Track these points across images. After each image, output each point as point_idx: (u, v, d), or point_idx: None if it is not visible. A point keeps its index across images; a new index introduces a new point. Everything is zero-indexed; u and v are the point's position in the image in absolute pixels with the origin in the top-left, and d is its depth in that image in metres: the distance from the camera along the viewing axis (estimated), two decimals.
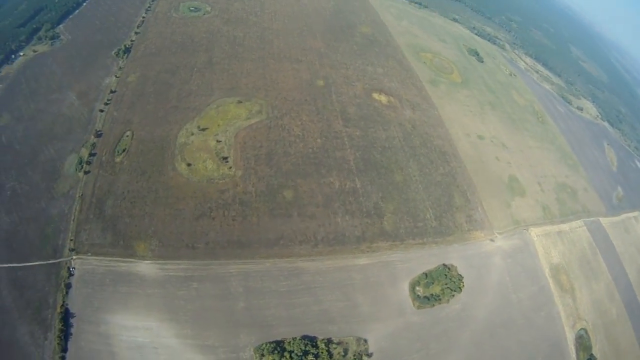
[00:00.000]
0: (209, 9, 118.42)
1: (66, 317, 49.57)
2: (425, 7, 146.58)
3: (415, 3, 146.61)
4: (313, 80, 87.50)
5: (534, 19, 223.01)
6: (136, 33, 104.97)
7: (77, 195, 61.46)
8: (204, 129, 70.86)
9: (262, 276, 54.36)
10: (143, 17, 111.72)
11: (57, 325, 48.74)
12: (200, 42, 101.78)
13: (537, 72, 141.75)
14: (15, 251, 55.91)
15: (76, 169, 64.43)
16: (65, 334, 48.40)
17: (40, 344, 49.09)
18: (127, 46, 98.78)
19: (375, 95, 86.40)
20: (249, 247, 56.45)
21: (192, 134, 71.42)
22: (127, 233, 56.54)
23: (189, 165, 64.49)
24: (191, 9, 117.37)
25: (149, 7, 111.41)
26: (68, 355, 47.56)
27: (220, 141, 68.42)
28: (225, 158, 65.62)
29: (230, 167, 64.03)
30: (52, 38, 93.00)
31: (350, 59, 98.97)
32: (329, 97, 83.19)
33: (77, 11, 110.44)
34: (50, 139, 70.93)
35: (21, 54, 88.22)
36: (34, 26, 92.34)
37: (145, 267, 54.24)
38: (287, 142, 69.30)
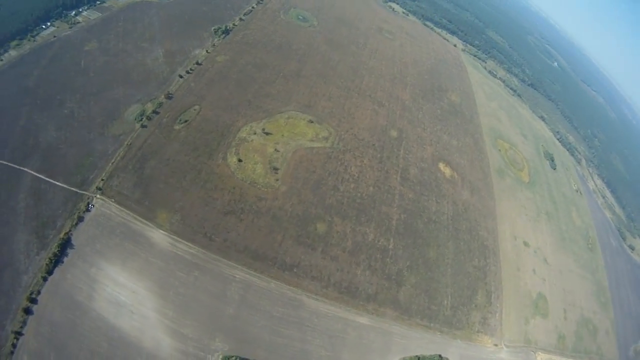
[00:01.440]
0: (315, 23, 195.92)
1: (65, 245, 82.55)
2: (519, 95, 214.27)
3: (510, 88, 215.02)
4: (388, 129, 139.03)
5: (617, 142, 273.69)
6: (241, 19, 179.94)
7: (126, 143, 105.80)
8: (267, 133, 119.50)
9: (263, 294, 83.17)
10: (252, 7, 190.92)
11: (53, 247, 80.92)
12: (296, 51, 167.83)
13: (603, 197, 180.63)
14: (48, 165, 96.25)
15: (136, 119, 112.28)
16: (57, 259, 79.78)
17: (31, 256, 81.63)
18: (227, 27, 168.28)
19: (441, 166, 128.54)
20: (262, 261, 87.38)
21: (255, 134, 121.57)
22: (155, 197, 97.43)
23: (239, 161, 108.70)
24: (300, 17, 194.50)
25: (261, 1, 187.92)
26: (50, 278, 78.35)
27: (278, 151, 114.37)
28: (276, 169, 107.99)
29: (277, 180, 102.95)
30: None
31: (430, 121, 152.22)
32: (397, 150, 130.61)
33: None
34: (123, 81, 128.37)
35: None
36: None
37: (158, 236, 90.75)
38: (340, 178, 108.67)
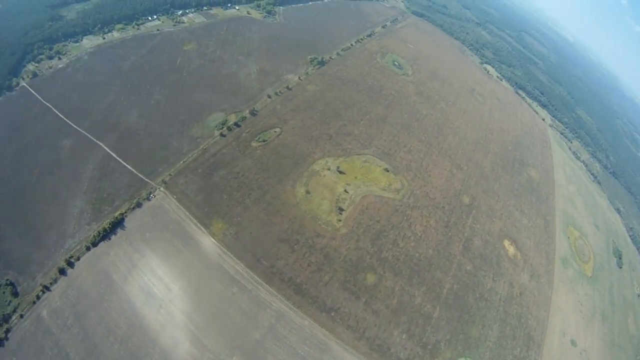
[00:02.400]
0: (410, 72, 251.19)
1: (117, 224, 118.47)
2: (599, 182, 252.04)
3: (591, 174, 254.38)
4: (461, 193, 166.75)
5: None
6: (338, 54, 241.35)
7: (202, 146, 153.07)
8: (341, 172, 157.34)
9: (293, 328, 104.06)
10: (351, 45, 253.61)
11: (105, 223, 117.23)
12: (386, 97, 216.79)
13: None
14: (123, 146, 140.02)
15: (216, 126, 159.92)
16: (105, 235, 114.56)
17: (82, 224, 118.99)
18: (323, 59, 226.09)
19: (506, 243, 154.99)
20: (302, 296, 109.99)
21: (329, 169, 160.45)
22: (216, 206, 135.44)
23: (307, 192, 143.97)
24: (395, 63, 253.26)
25: (360, 39, 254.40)
26: (93, 250, 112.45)
27: (347, 192, 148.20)
28: (341, 209, 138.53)
29: (340, 220, 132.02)
30: (269, 12, 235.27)
31: (505, 194, 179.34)
32: (465, 217, 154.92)
33: (302, 4, 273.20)
34: (213, 88, 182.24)
35: (237, 7, 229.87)
36: None
37: (208, 244, 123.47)
38: (402, 234, 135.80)
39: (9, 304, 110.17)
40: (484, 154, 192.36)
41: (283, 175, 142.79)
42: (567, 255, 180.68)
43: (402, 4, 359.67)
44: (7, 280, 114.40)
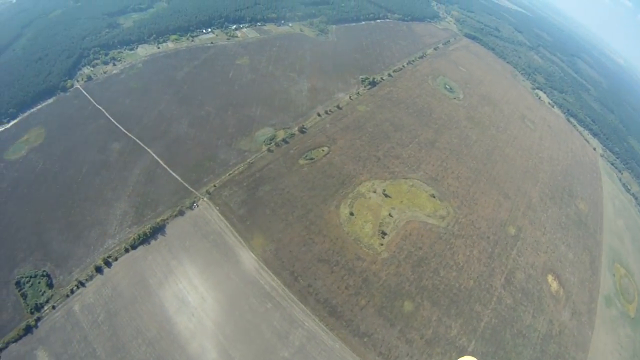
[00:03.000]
0: (461, 96, 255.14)
1: (158, 229, 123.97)
2: None
3: None
4: (507, 224, 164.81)
5: None
6: (389, 75, 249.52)
7: (248, 160, 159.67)
8: (387, 196, 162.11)
9: (323, 350, 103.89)
10: (403, 66, 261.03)
11: (146, 227, 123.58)
12: (436, 120, 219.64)
13: None
14: (170, 154, 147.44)
15: (265, 141, 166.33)
16: (145, 239, 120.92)
17: (123, 226, 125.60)
18: (375, 80, 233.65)
19: (550, 278, 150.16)
20: (336, 319, 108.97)
21: (374, 192, 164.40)
22: (258, 220, 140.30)
23: (351, 214, 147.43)
24: (446, 87, 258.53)
25: (412, 61, 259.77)
26: (132, 252, 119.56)
27: (392, 216, 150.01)
28: (384, 233, 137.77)
29: (382, 245, 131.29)
30: (321, 30, 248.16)
31: (552, 226, 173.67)
32: (510, 249, 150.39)
33: (355, 24, 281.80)
34: (263, 103, 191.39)
35: (290, 24, 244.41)
36: (313, 11, 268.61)
37: (247, 258, 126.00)
38: (444, 263, 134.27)
39: (42, 294, 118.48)
40: (532, 184, 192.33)
41: (328, 195, 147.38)
42: (610, 294, 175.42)
43: (455, 25, 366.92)
44: (43, 271, 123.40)
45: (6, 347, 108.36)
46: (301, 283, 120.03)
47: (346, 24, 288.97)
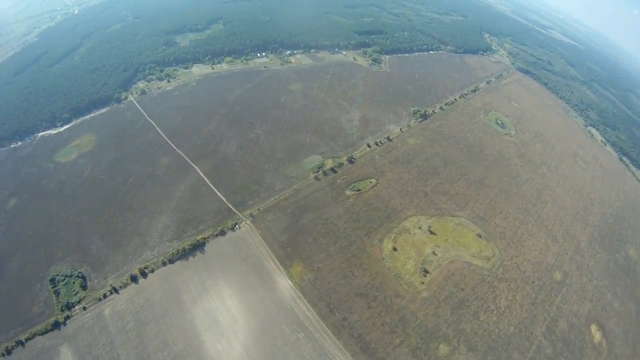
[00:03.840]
0: (512, 132, 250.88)
1: (197, 247, 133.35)
2: None
3: None
4: (553, 269, 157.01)
5: None
6: (441, 108, 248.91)
7: (295, 187, 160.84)
8: (432, 233, 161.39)
9: None
10: (455, 99, 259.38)
11: (186, 243, 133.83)
12: (487, 157, 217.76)
13: None
14: (217, 173, 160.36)
15: (312, 169, 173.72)
16: (182, 254, 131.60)
17: (163, 240, 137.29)
18: (426, 112, 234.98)
19: (593, 328, 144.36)
20: (368, 356, 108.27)
21: (420, 228, 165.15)
22: (299, 248, 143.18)
23: (394, 249, 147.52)
24: (498, 122, 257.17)
25: (464, 94, 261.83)
26: (169, 266, 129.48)
27: (435, 254, 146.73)
28: (426, 272, 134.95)
29: (423, 283, 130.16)
30: (375, 60, 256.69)
31: (600, 273, 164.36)
32: (554, 295, 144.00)
33: (408, 55, 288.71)
34: (313, 130, 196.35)
35: (344, 53, 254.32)
36: (366, 40, 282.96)
37: (284, 285, 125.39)
38: (485, 306, 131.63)
39: (75, 294, 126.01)
40: (582, 227, 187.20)
41: (372, 228, 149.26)
42: None
43: (507, 59, 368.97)
44: (79, 272, 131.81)
45: (32, 337, 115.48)
46: (336, 316, 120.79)
47: (399, 55, 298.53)
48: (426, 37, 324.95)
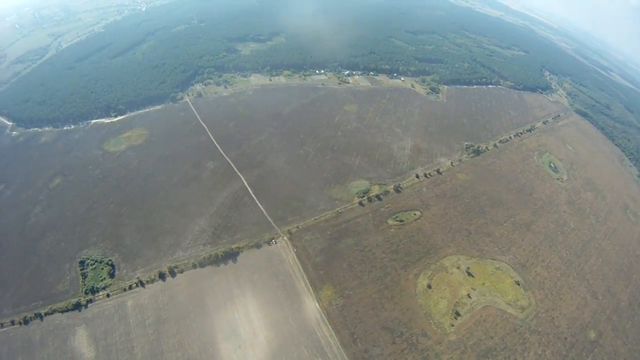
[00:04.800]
0: (564, 177, 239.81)
1: (230, 256, 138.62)
2: None
3: None
4: (588, 327, 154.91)
5: None
6: (495, 145, 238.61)
7: (337, 209, 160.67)
8: (470, 274, 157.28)
9: None
10: (510, 137, 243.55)
11: (220, 250, 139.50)
12: (535, 201, 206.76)
13: None
14: (260, 186, 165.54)
15: (357, 194, 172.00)
16: (214, 260, 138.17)
17: (197, 243, 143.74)
18: (479, 148, 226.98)
19: None
20: None
21: (458, 268, 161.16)
22: (332, 272, 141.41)
23: (428, 286, 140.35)
24: (551, 165, 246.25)
25: (520, 133, 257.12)
26: (198, 270, 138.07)
27: (470, 297, 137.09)
28: (458, 314, 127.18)
29: (452, 325, 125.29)
30: (432, 88, 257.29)
31: (635, 336, 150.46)
32: (585, 355, 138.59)
33: (466, 87, 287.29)
34: (363, 154, 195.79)
35: (402, 79, 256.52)
36: (426, 68, 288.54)
37: (311, 307, 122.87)
38: (512, 359, 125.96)
39: (102, 280, 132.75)
40: (624, 285, 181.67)
41: (410, 262, 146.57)
42: None
43: (566, 99, 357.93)
44: (109, 260, 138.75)
45: (52, 313, 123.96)
46: (359, 346, 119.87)
47: (458, 86, 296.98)
48: (486, 70, 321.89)
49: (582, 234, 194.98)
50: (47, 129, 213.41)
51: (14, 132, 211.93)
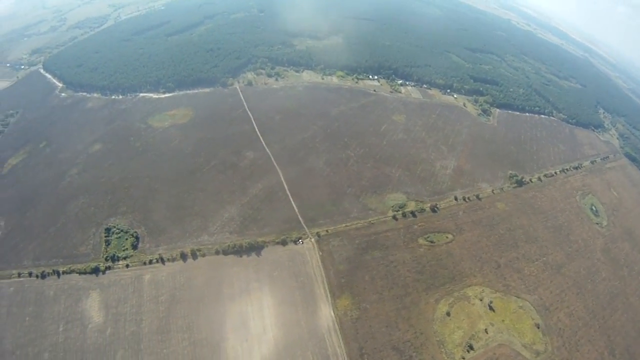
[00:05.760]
0: (604, 223, 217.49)
1: (254, 248, 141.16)
2: None
3: None
4: None
5: None
6: (539, 179, 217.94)
7: (370, 219, 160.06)
8: (491, 309, 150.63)
9: None
10: (555, 173, 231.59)
11: (245, 241, 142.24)
12: (571, 243, 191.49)
13: None
14: (297, 183, 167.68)
15: (393, 207, 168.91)
16: (238, 250, 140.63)
17: (224, 229, 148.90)
18: (523, 180, 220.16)
19: None
20: None
21: (480, 300, 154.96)
22: (353, 282, 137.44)
23: (447, 314, 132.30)
24: (592, 208, 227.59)
25: (566, 169, 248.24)
26: (220, 257, 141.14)
27: (487, 332, 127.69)
28: (471, 347, 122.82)
29: (463, 358, 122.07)
30: (484, 110, 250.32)
31: None
32: None
33: (519, 113, 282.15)
34: (405, 167, 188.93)
35: (455, 96, 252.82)
36: (480, 88, 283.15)
37: (325, 313, 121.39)
38: None
39: (124, 250, 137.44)
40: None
41: (433, 286, 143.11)
42: None
43: (617, 141, 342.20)
44: (135, 232, 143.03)
45: (69, 273, 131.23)
46: None
47: (510, 111, 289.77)
48: (541, 99, 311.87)
49: (612, 286, 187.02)
50: (95, 95, 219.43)
51: (63, 94, 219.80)
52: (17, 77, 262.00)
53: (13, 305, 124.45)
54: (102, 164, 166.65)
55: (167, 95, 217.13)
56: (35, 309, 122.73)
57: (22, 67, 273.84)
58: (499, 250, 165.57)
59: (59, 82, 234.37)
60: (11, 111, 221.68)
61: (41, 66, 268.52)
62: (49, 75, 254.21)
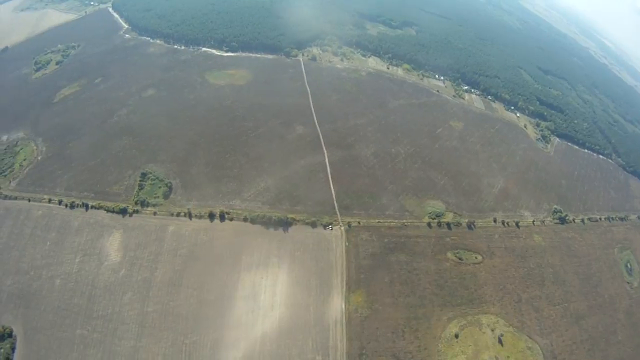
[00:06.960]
0: (635, 284, 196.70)
1: (282, 223, 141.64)
2: None
3: None
4: None
5: None
6: (582, 221, 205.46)
7: (404, 220, 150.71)
8: (500, 341, 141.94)
9: None
10: (599, 219, 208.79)
11: (275, 214, 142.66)
12: (596, 296, 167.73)
13: None
14: (340, 166, 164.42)
15: (429, 214, 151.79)
16: (266, 222, 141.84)
17: (257, 199, 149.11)
18: (566, 218, 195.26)
19: None
20: None
21: (492, 330, 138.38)
22: (373, 279, 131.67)
23: (455, 336, 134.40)
24: (627, 265, 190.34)
25: (611, 218, 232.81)
26: (246, 225, 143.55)
27: None
28: None
29: None
30: (544, 136, 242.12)
31: None
32: None
33: (577, 148, 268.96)
34: (451, 176, 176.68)
35: (518, 114, 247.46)
36: (544, 112, 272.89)
37: (336, 305, 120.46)
38: None
39: (155, 197, 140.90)
40: None
41: (449, 303, 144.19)
42: None
43: None
44: (169, 182, 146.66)
45: (98, 208, 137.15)
46: None
47: (569, 143, 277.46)
48: (603, 138, 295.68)
49: (624, 351, 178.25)
50: (158, 41, 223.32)
51: (127, 35, 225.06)
52: (85, 12, 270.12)
53: (37, 228, 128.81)
54: (151, 109, 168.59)
55: (229, 54, 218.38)
56: (58, 236, 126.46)
57: (92, 3, 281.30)
58: (524, 284, 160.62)
59: (125, 23, 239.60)
60: (73, 44, 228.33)
61: (110, 5, 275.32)
62: (116, 15, 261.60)
